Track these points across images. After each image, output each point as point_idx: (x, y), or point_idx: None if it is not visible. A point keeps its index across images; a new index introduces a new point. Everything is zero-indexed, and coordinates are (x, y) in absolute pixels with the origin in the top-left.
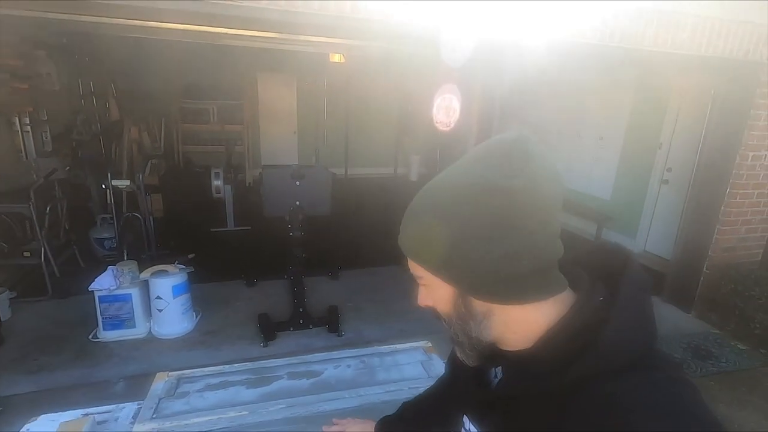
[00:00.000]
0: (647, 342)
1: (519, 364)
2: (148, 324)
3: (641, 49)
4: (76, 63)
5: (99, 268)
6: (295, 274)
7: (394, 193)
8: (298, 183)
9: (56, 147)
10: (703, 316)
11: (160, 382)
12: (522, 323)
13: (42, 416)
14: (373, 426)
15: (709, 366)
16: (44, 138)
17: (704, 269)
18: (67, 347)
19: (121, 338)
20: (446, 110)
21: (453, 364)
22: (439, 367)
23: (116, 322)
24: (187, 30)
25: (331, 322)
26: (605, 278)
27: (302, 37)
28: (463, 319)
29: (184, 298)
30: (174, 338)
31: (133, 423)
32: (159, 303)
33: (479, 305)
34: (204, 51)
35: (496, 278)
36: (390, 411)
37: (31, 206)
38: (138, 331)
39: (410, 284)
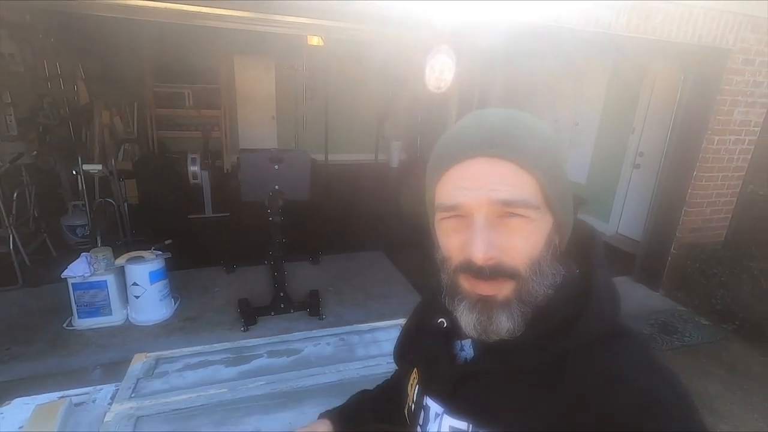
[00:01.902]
0: (618, 312)
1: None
2: (124, 311)
3: (615, 34)
4: (41, 43)
5: (71, 256)
6: (275, 259)
7: (375, 179)
8: (276, 167)
9: (21, 131)
10: (670, 294)
11: (138, 363)
12: None
13: (15, 400)
14: (327, 424)
15: (674, 341)
16: (8, 122)
17: (672, 249)
18: (40, 336)
19: (97, 326)
20: (440, 71)
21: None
22: None
23: (91, 310)
24: (159, 8)
25: (312, 306)
26: (574, 253)
27: (280, 18)
28: (547, 264)
29: (161, 285)
30: (152, 325)
31: (111, 404)
32: (136, 290)
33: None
34: (178, 32)
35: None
36: (369, 384)
37: None
38: (114, 319)
39: (391, 268)
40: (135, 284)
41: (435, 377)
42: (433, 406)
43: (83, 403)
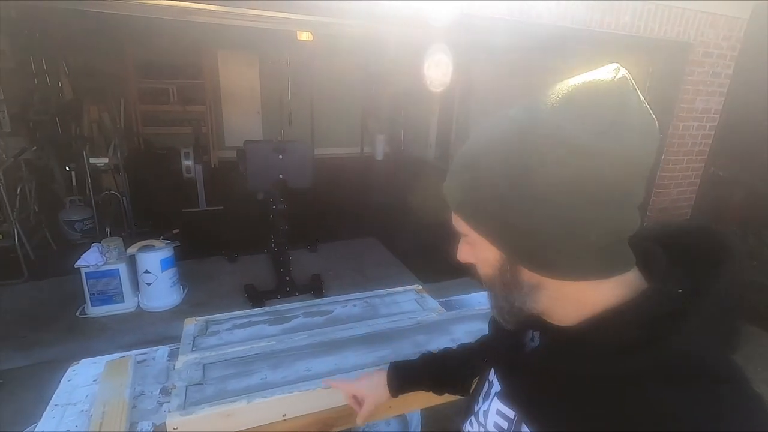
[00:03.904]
0: (724, 350)
1: (561, 338)
2: (136, 298)
3: (590, 30)
4: (27, 39)
5: (71, 249)
6: (279, 245)
7: (361, 171)
8: (280, 157)
9: (14, 127)
10: None
11: (191, 325)
12: (574, 300)
13: (83, 360)
14: (384, 374)
15: None
16: (2, 118)
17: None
18: (56, 324)
19: (110, 313)
20: (438, 68)
21: (495, 322)
22: (431, 303)
23: (104, 298)
24: (141, 3)
25: (315, 289)
26: (689, 266)
27: (267, 13)
28: (507, 287)
29: (171, 272)
30: (163, 311)
31: (169, 361)
32: (147, 277)
33: (528, 276)
34: (160, 27)
35: (556, 249)
36: (396, 337)
37: (1, 187)
38: (126, 306)
39: (385, 252)
40: (147, 272)
41: (500, 357)
42: (495, 384)
43: (144, 360)
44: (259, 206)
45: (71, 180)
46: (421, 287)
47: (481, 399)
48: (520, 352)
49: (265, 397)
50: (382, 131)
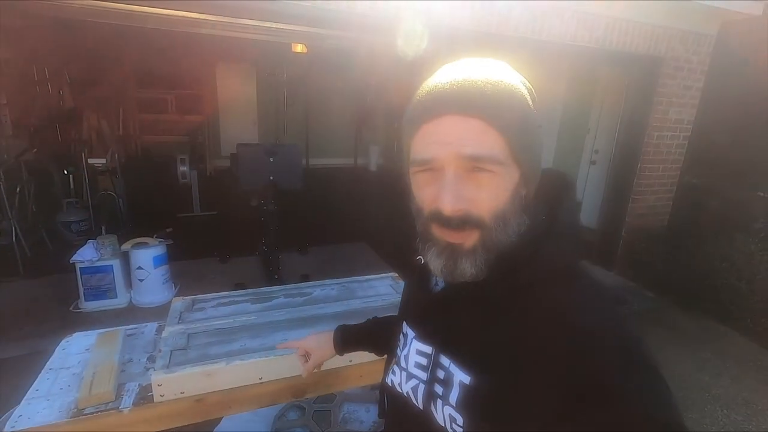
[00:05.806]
0: (575, 255)
1: None
2: (128, 294)
3: (565, 43)
4: (31, 48)
5: (67, 250)
6: (269, 245)
7: (355, 181)
8: (271, 159)
9: (16, 132)
10: (622, 272)
11: (178, 302)
12: None
13: (75, 333)
14: (331, 334)
15: (624, 310)
16: (4, 122)
17: (623, 233)
18: (50, 318)
19: (103, 308)
20: (412, 37)
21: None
22: None
23: (98, 293)
24: (143, 13)
25: None
26: (546, 200)
27: (264, 24)
28: (512, 214)
29: (163, 269)
30: (155, 307)
31: (157, 335)
32: (140, 273)
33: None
34: (161, 39)
35: (537, 175)
36: (369, 315)
37: (1, 186)
38: (119, 301)
39: (374, 257)
40: (140, 268)
41: (411, 306)
42: (409, 333)
43: (134, 334)
44: (252, 212)
45: (69, 183)
46: (397, 275)
47: (399, 351)
48: (428, 297)
49: (244, 360)
50: (376, 142)
